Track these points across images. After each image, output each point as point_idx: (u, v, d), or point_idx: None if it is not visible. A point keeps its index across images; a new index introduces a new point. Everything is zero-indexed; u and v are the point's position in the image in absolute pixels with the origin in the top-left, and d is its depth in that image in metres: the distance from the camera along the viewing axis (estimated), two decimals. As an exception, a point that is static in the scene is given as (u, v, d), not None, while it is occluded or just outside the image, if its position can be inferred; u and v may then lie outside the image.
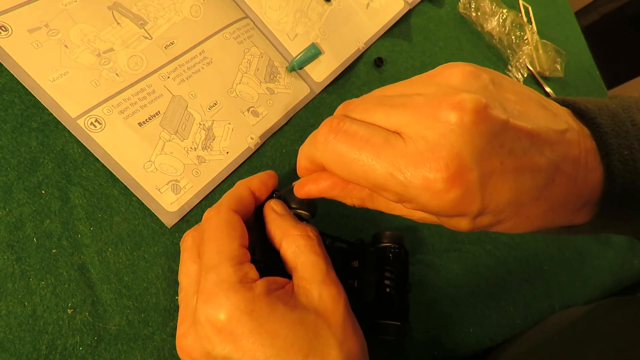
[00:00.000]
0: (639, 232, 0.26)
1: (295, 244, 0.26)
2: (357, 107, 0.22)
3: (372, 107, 0.21)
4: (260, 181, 0.29)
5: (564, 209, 0.22)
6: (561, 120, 0.21)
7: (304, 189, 0.26)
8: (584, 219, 0.23)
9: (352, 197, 0.25)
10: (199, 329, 0.23)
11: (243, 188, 0.28)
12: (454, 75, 0.20)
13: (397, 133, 0.20)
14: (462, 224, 0.21)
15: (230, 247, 0.25)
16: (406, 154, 0.19)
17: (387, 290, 0.33)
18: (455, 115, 0.18)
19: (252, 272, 0.24)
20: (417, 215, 0.24)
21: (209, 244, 0.25)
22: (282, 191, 0.30)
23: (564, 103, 0.24)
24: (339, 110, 0.23)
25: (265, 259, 0.27)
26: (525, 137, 0.19)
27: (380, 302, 0.33)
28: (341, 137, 0.21)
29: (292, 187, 0.28)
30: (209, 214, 0.26)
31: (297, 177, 0.26)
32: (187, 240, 0.28)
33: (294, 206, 0.29)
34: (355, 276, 0.33)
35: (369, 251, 0.35)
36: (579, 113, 0.23)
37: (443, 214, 0.20)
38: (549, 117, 0.21)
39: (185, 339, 0.24)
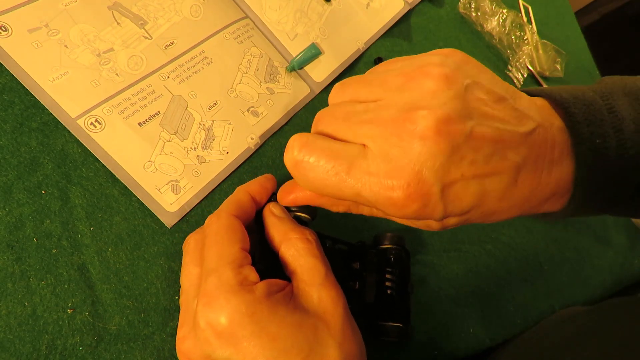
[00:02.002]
0: (616, 214, 0.27)
1: (294, 247, 0.26)
2: (327, 125, 0.23)
3: (340, 125, 0.22)
4: (259, 185, 0.29)
5: (529, 202, 0.22)
6: (529, 120, 0.22)
7: (288, 197, 0.26)
8: (556, 207, 0.24)
9: (337, 206, 0.26)
10: (199, 333, 0.23)
11: (242, 193, 0.29)
12: (428, 82, 0.21)
13: (363, 145, 0.21)
14: (432, 226, 0.23)
15: (230, 250, 0.25)
16: (370, 173, 0.20)
17: (388, 291, 0.33)
18: (417, 132, 0.19)
19: (253, 274, 0.24)
20: (397, 221, 0.25)
21: (209, 248, 0.25)
22: None
23: (540, 94, 0.24)
24: (313, 124, 0.24)
25: (265, 261, 0.27)
26: (489, 144, 0.20)
27: (381, 303, 0.33)
28: (308, 161, 0.22)
29: None
30: (210, 220, 0.27)
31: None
32: (190, 243, 0.28)
33: (293, 209, 0.29)
34: (356, 278, 0.33)
35: (370, 253, 0.35)
36: (555, 102, 0.23)
37: (411, 220, 0.22)
38: (517, 118, 0.21)
39: (186, 343, 0.24)
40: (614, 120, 0.22)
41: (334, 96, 0.25)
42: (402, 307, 0.33)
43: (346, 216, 0.39)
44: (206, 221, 0.27)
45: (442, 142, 0.19)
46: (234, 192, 0.29)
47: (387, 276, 0.34)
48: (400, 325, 0.32)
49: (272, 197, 0.30)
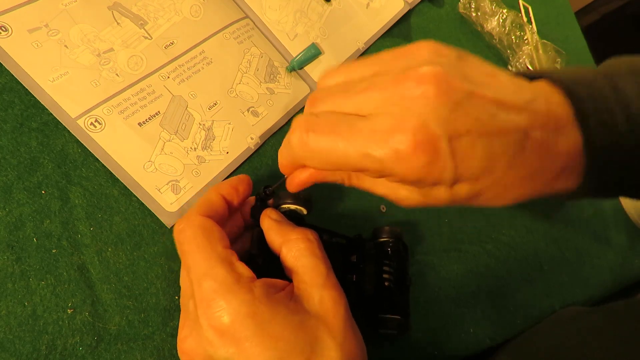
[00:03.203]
0: (633, 193, 0.27)
1: (295, 247, 0.26)
2: (325, 102, 0.23)
3: (339, 100, 0.22)
4: (230, 186, 0.29)
5: (541, 176, 0.22)
6: (527, 91, 0.22)
7: (294, 181, 0.27)
8: (571, 186, 0.24)
9: (340, 174, 0.27)
10: (200, 333, 0.23)
11: (213, 194, 0.28)
12: (421, 51, 0.22)
13: (368, 115, 0.21)
14: (442, 194, 0.22)
15: (214, 251, 0.24)
16: (374, 131, 0.20)
17: (386, 284, 0.33)
18: (418, 88, 0.20)
19: (245, 270, 0.24)
20: (402, 195, 0.25)
21: (192, 255, 0.24)
22: (274, 186, 0.30)
23: (542, 75, 0.25)
24: (307, 106, 0.24)
25: (264, 255, 0.27)
26: (491, 104, 0.20)
27: (379, 296, 0.33)
28: (312, 136, 0.22)
29: (283, 181, 0.28)
30: (180, 225, 0.26)
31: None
32: None
33: (289, 202, 0.29)
34: (354, 270, 0.33)
35: (368, 246, 0.35)
36: (555, 83, 0.24)
37: (420, 180, 0.21)
38: (514, 88, 0.22)
39: (187, 342, 0.24)
40: (619, 97, 0.23)
41: (325, 80, 0.25)
42: (400, 300, 0.33)
43: (345, 214, 0.39)
44: (175, 227, 0.26)
45: (444, 94, 0.20)
46: (205, 192, 0.28)
47: (385, 268, 0.34)
48: (399, 317, 0.32)
49: (265, 190, 0.30)
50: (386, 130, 0.20)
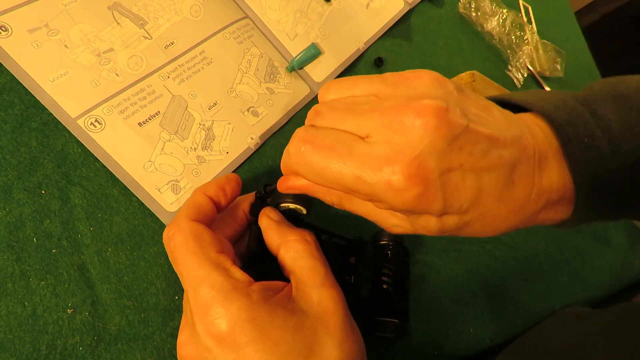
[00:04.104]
0: (633, 216, 0.27)
1: (293, 249, 0.26)
2: (327, 116, 0.23)
3: (342, 116, 0.22)
4: (217, 187, 0.28)
5: (526, 208, 0.23)
6: (516, 127, 0.23)
7: (286, 183, 0.27)
8: (565, 214, 0.25)
9: (330, 195, 0.26)
10: (199, 340, 0.23)
11: (200, 196, 0.27)
12: (423, 80, 0.22)
13: (367, 137, 0.21)
14: (431, 224, 0.22)
15: (207, 257, 0.24)
16: (371, 157, 0.20)
17: (384, 287, 0.33)
18: (419, 120, 0.20)
19: (241, 275, 0.24)
20: (391, 222, 0.25)
21: (185, 263, 0.24)
22: (274, 186, 0.30)
23: (525, 105, 0.26)
24: (309, 118, 0.24)
25: (264, 253, 0.27)
26: (484, 140, 0.21)
27: (377, 298, 0.33)
28: (309, 148, 0.22)
29: None
30: (169, 232, 0.25)
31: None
32: None
33: (288, 200, 0.29)
34: (352, 272, 0.33)
35: (367, 248, 0.35)
36: (536, 112, 0.25)
37: (409, 210, 0.21)
38: (505, 123, 0.22)
39: (186, 348, 0.24)
40: (600, 122, 0.24)
41: (326, 93, 0.24)
42: (399, 303, 0.33)
43: (346, 215, 0.39)
44: (165, 234, 0.26)
45: (442, 128, 0.20)
46: (191, 194, 0.28)
47: (384, 271, 0.33)
48: (396, 321, 0.32)
49: (265, 188, 0.30)
50: (382, 159, 0.20)
